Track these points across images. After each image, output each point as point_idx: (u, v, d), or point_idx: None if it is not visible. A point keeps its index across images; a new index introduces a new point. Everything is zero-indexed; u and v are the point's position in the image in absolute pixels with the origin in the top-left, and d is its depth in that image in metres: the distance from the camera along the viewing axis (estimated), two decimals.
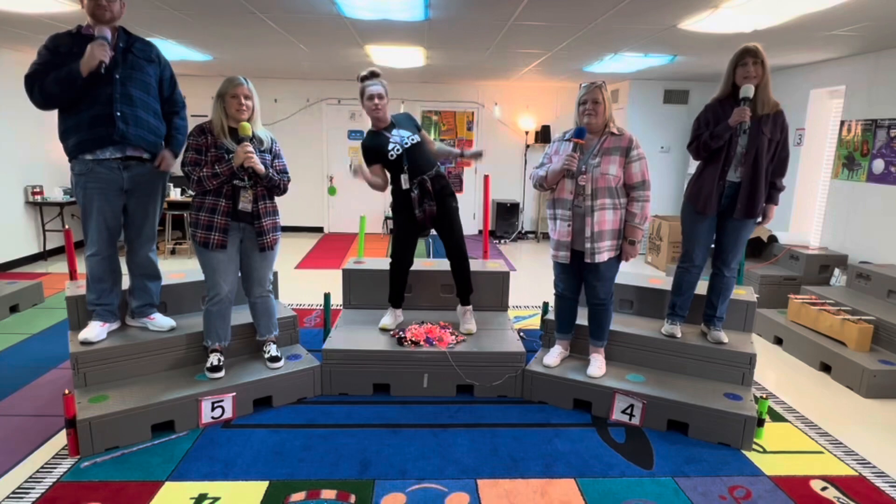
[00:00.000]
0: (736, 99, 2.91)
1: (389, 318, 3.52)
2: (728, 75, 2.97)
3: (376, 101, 3.18)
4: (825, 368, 3.81)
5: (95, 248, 2.88)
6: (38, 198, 6.31)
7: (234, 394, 2.90)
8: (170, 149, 3.01)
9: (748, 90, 2.85)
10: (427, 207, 3.27)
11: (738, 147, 2.96)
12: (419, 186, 3.25)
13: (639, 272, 4.43)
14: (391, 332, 3.42)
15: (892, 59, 4.75)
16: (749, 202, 2.99)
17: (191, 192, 3.45)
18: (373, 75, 3.22)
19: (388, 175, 3.35)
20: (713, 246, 3.22)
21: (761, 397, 2.89)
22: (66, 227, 3.60)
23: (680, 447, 2.78)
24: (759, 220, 3.08)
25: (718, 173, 2.99)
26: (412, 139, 3.26)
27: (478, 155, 3.53)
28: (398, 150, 3.23)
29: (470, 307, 3.55)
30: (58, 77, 2.60)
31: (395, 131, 3.26)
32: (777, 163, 3.02)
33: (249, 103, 2.80)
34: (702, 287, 3.31)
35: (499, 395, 3.25)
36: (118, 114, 2.73)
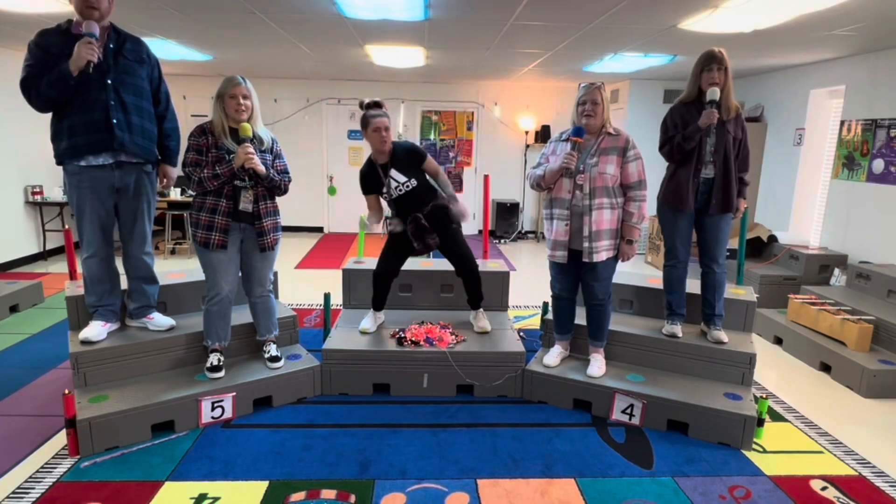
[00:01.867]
0: (700, 101, 3.03)
1: (370, 322, 3.50)
2: (694, 79, 3.08)
3: (384, 133, 3.14)
4: (825, 368, 3.81)
5: (93, 250, 2.88)
6: (38, 198, 6.31)
7: (234, 394, 2.90)
8: (168, 162, 3.07)
9: (714, 93, 2.96)
10: (429, 241, 3.29)
11: (707, 146, 3.07)
12: (414, 223, 3.25)
13: (638, 272, 4.43)
14: (391, 333, 3.42)
15: (892, 59, 4.75)
16: (724, 197, 3.09)
17: (191, 192, 3.46)
18: (377, 105, 3.18)
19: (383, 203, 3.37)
20: (698, 246, 3.27)
21: (761, 397, 2.89)
22: (66, 226, 3.60)
23: (680, 447, 2.78)
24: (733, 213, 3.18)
25: (692, 172, 3.08)
26: (408, 185, 3.23)
27: (462, 215, 3.37)
28: (401, 190, 3.24)
29: (480, 309, 3.60)
30: (50, 80, 2.58)
31: (393, 172, 3.22)
32: (741, 160, 3.14)
33: (248, 103, 2.80)
34: (698, 287, 3.31)
35: (499, 395, 3.25)
36: (115, 121, 2.73)
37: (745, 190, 3.22)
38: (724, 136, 3.04)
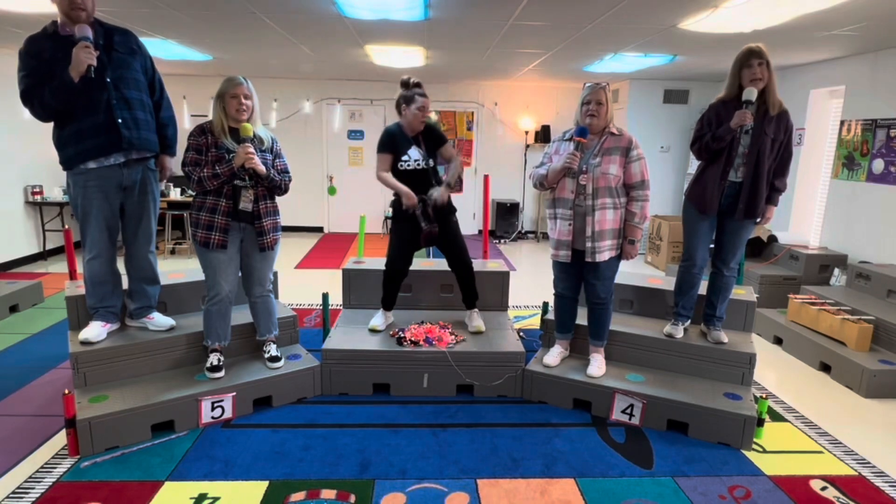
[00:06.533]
0: (741, 100, 2.89)
1: (380, 320, 3.51)
2: (733, 76, 2.95)
3: (427, 113, 3.24)
4: (825, 368, 3.81)
5: (96, 251, 2.87)
6: (38, 198, 6.31)
7: (234, 394, 2.90)
8: (166, 153, 3.05)
9: (751, 93, 2.84)
10: (428, 228, 3.30)
11: (739, 148, 2.95)
12: (422, 206, 3.28)
13: (639, 272, 4.43)
14: (390, 332, 3.42)
15: (892, 59, 4.75)
16: (750, 203, 2.98)
17: (191, 192, 3.45)
18: (419, 85, 3.27)
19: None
20: (714, 246, 3.22)
21: (761, 397, 2.89)
22: (66, 226, 3.60)
23: (680, 447, 2.78)
24: (758, 220, 3.07)
25: (720, 174, 2.99)
26: (426, 163, 3.32)
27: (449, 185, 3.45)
28: (408, 166, 3.29)
29: (476, 308, 3.60)
30: (52, 90, 2.56)
31: (413, 149, 3.30)
32: (779, 163, 3.00)
33: (249, 103, 2.80)
34: (702, 287, 3.31)
35: (499, 395, 3.25)
36: (120, 121, 2.72)
37: (778, 197, 3.05)
38: (760, 138, 2.89)
